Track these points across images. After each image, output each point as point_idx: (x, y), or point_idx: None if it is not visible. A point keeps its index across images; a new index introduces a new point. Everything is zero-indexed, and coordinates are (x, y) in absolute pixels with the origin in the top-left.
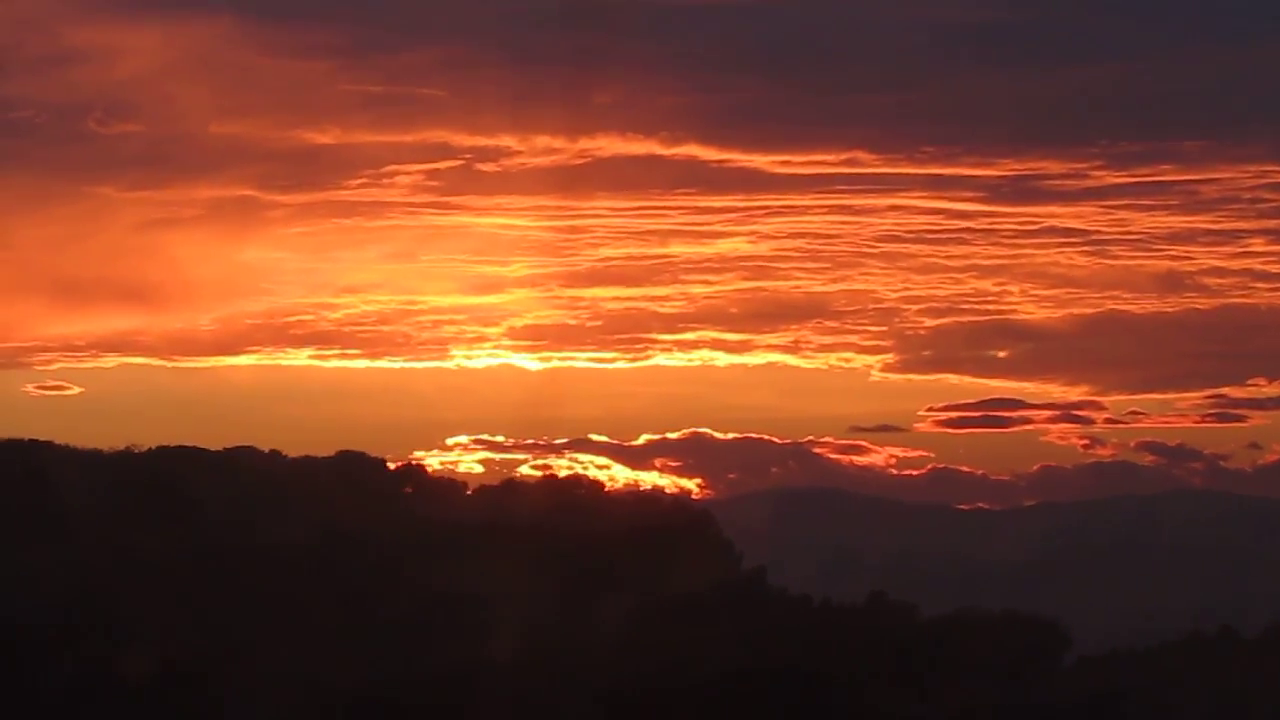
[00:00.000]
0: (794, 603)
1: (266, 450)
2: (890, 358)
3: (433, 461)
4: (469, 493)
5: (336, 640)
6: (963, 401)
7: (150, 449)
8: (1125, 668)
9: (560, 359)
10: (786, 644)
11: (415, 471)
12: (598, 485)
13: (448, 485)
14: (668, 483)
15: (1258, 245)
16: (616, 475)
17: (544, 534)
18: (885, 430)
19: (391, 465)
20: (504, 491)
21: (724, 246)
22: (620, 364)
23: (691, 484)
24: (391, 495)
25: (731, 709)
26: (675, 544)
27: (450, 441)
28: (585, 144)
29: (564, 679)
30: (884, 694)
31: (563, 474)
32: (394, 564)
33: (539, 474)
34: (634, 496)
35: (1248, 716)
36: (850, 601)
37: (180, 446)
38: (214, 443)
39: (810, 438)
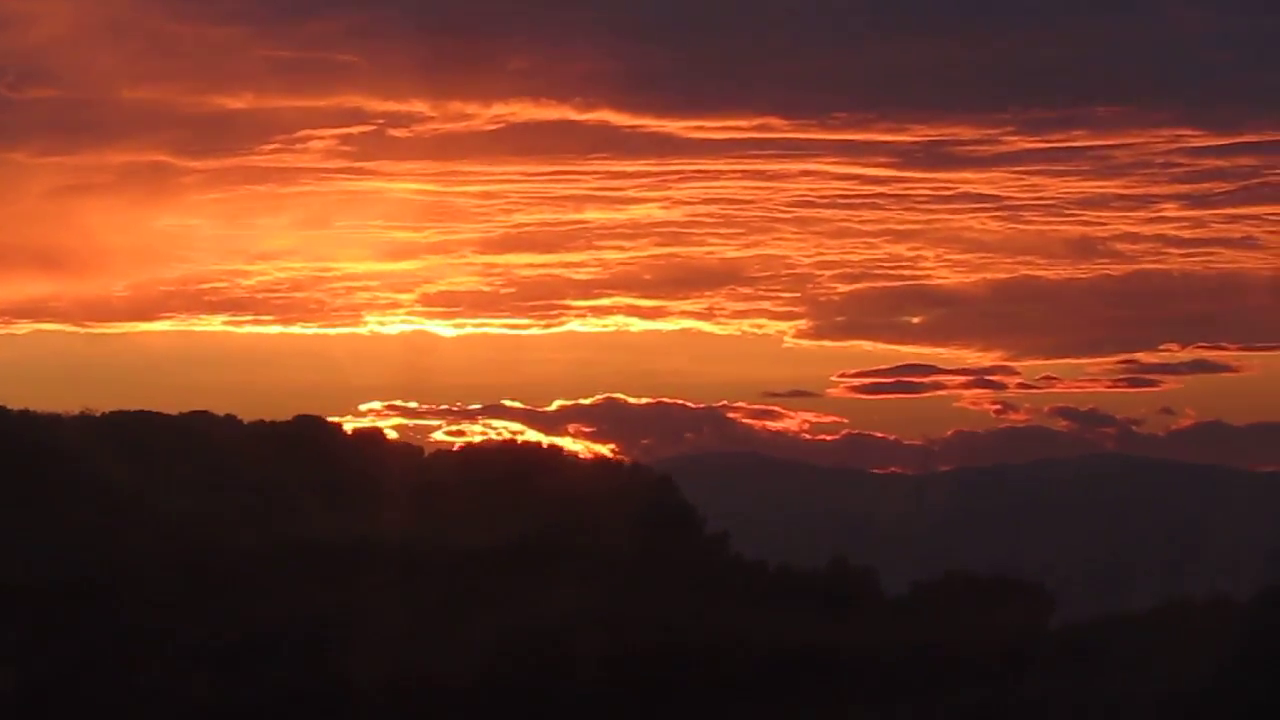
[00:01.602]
0: (757, 569)
1: (221, 415)
2: (803, 324)
3: (347, 428)
4: (425, 457)
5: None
6: (876, 368)
7: (108, 413)
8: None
9: (474, 325)
10: (763, 613)
11: (375, 435)
12: (556, 450)
13: (405, 449)
14: (581, 448)
15: (1170, 210)
16: (531, 441)
17: (514, 498)
18: (798, 395)
19: (349, 429)
20: (463, 456)
21: (638, 212)
22: (534, 330)
23: (605, 449)
24: (357, 459)
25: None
26: (639, 510)
27: (364, 408)
28: (499, 109)
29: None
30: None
31: (521, 439)
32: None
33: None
34: (594, 462)
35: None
36: (802, 567)
37: (139, 411)
38: (127, 407)
39: (724, 403)
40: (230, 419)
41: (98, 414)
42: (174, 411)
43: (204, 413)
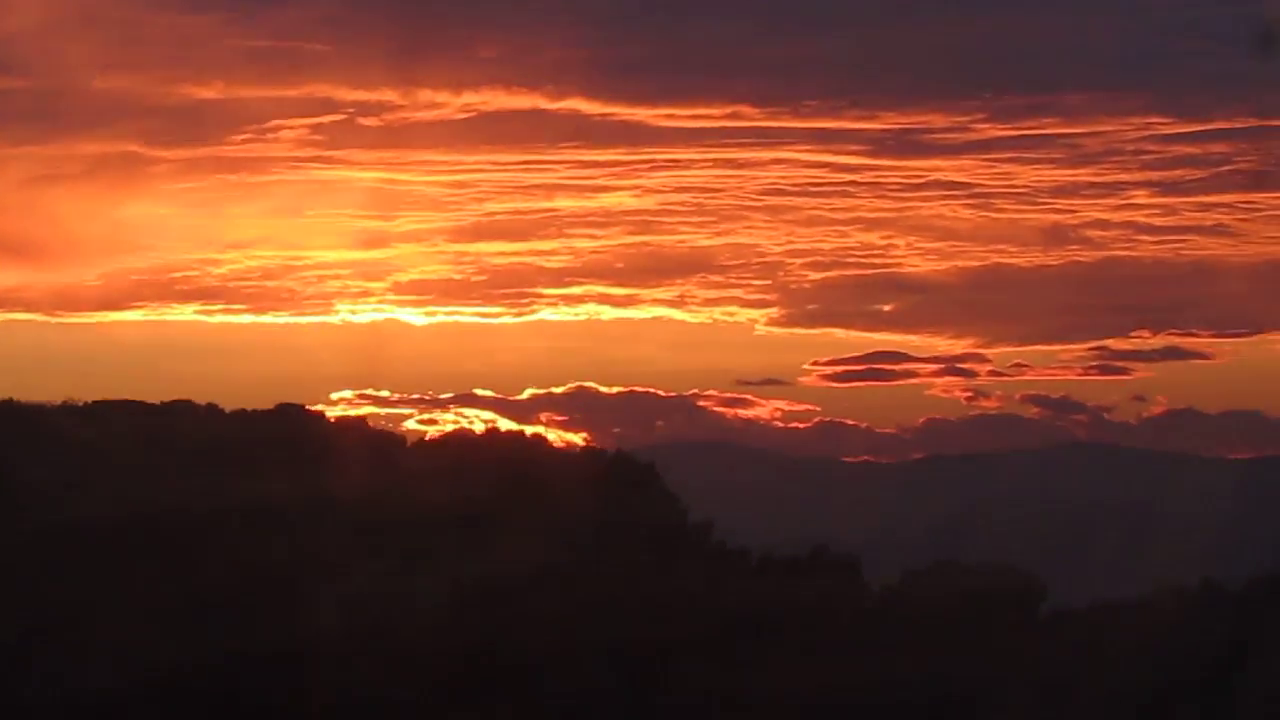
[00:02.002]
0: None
1: (203, 404)
2: (775, 311)
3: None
4: (408, 446)
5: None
6: (848, 355)
7: (90, 402)
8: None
9: (445, 314)
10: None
11: (357, 424)
12: (540, 439)
13: (389, 438)
14: (554, 437)
15: (1140, 198)
16: (514, 430)
17: (499, 489)
18: (770, 384)
19: (331, 417)
20: (446, 445)
21: (609, 200)
22: (505, 319)
23: (577, 438)
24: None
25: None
26: (626, 497)
27: (335, 396)
28: (469, 98)
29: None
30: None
31: (505, 428)
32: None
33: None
34: (579, 450)
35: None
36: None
37: (121, 400)
38: (101, 397)
39: (695, 391)
40: (212, 407)
41: (80, 403)
42: (155, 400)
43: (186, 401)
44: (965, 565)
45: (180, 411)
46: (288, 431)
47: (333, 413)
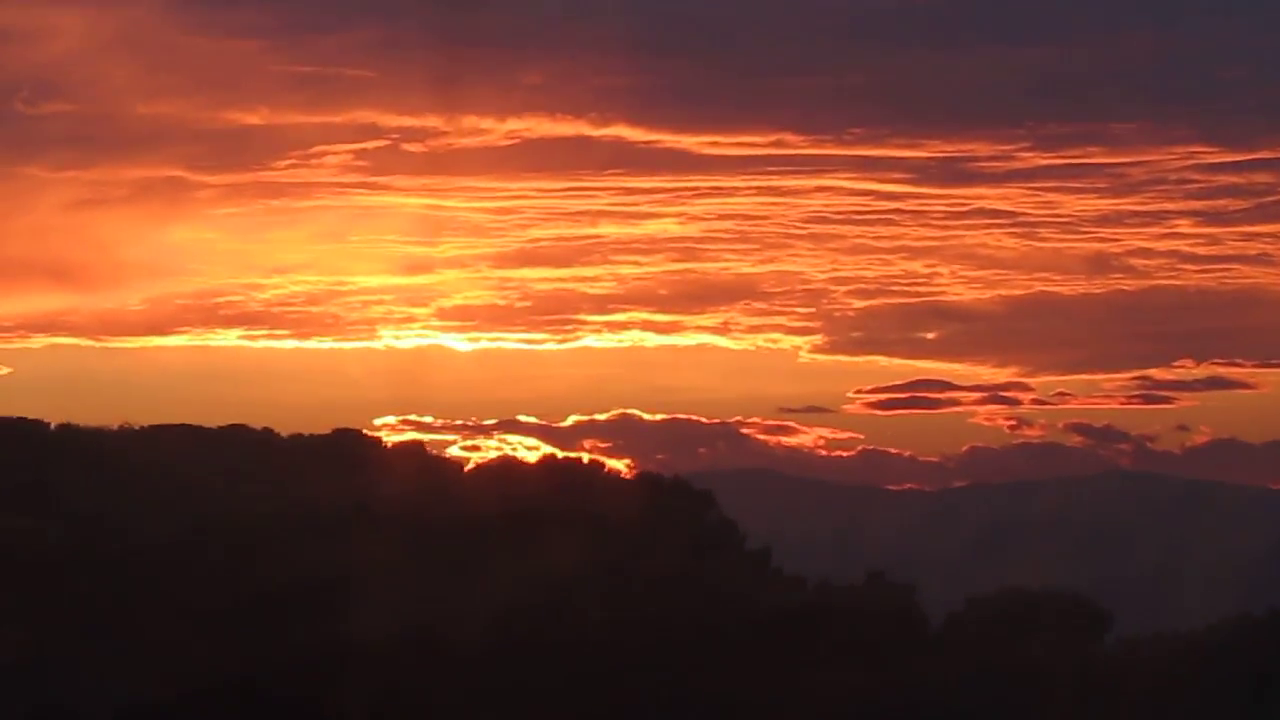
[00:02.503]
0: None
1: (259, 428)
2: (819, 339)
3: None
4: (465, 471)
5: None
6: (891, 383)
7: (146, 426)
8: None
9: (489, 340)
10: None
11: (415, 449)
12: (597, 465)
13: (445, 464)
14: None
15: (1184, 227)
16: (572, 457)
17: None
18: (813, 411)
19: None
20: (502, 471)
21: (653, 227)
22: (549, 345)
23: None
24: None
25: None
26: (681, 525)
27: (378, 422)
28: (513, 124)
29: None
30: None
31: (561, 455)
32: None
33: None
34: (636, 478)
35: None
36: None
37: (179, 425)
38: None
39: (738, 418)
40: (268, 432)
41: (137, 427)
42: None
43: (241, 426)
44: (1034, 592)
45: (236, 436)
46: (346, 454)
47: (394, 438)
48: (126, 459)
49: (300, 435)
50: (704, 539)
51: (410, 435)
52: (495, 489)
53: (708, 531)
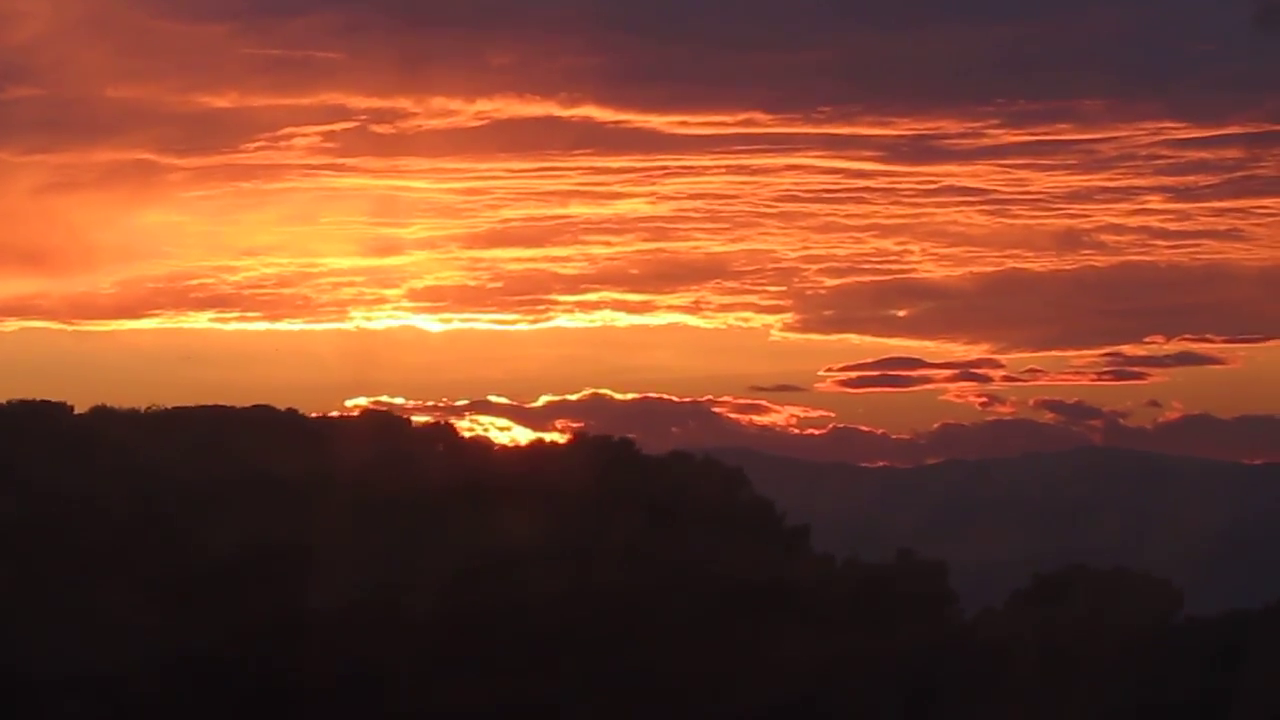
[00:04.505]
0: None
1: (283, 409)
2: (790, 317)
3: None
4: (497, 451)
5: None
6: (862, 361)
7: (175, 407)
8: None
9: (461, 320)
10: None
11: (445, 430)
12: (628, 443)
13: (477, 445)
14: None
15: (1154, 203)
16: (518, 437)
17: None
18: (785, 390)
19: (416, 423)
20: (533, 451)
21: (623, 207)
22: (521, 325)
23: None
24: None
25: None
26: (718, 505)
27: (349, 404)
28: (482, 105)
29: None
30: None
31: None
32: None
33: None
34: (668, 454)
35: None
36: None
37: (211, 406)
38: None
39: (710, 397)
40: (292, 413)
41: (164, 408)
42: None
43: (266, 406)
44: (1096, 571)
45: (263, 416)
46: (373, 436)
47: (422, 419)
48: (85, 436)
49: (326, 416)
50: (738, 518)
51: None
52: (529, 471)
53: (741, 510)
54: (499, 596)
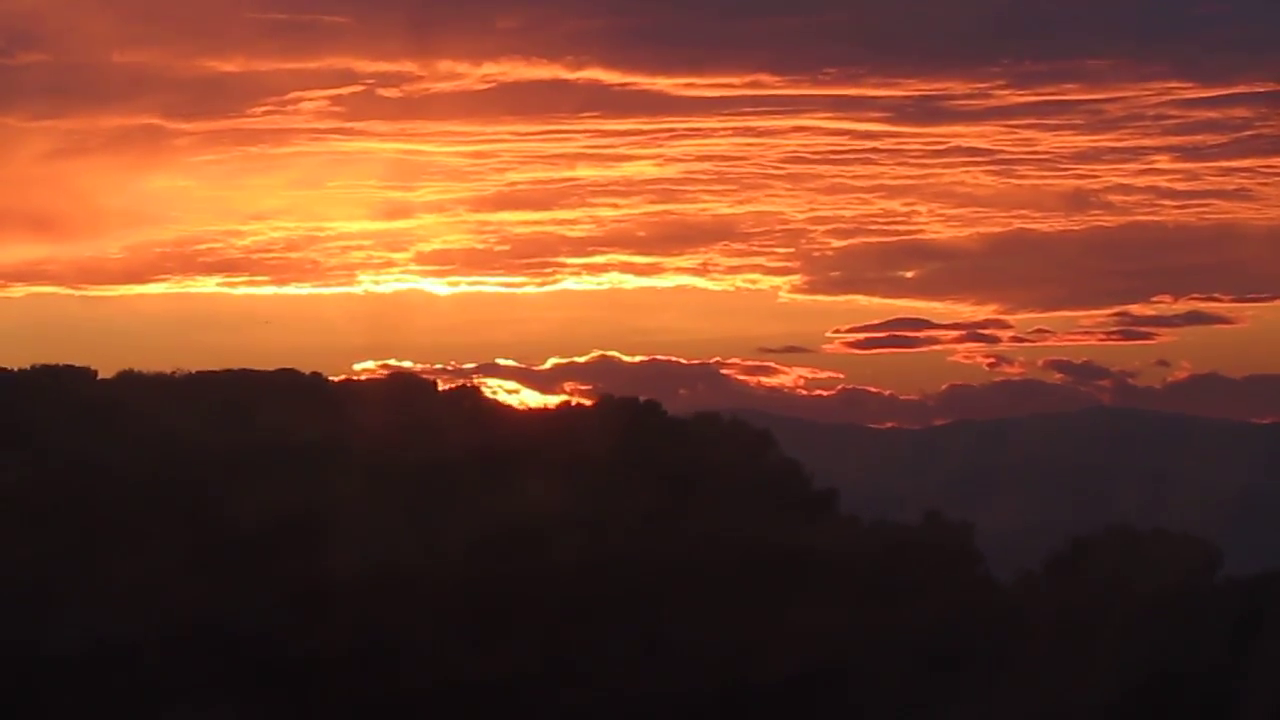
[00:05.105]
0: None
1: (308, 373)
2: (797, 279)
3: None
4: (521, 413)
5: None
6: (870, 322)
7: (203, 371)
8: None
9: (469, 284)
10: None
11: (470, 393)
12: (654, 405)
13: (502, 408)
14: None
15: (1162, 162)
16: (526, 400)
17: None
18: (793, 351)
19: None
20: (559, 414)
21: (630, 170)
22: (528, 288)
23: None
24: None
25: None
26: (747, 467)
27: (358, 367)
28: (489, 69)
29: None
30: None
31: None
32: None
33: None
34: (694, 417)
35: None
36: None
37: (236, 370)
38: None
39: (718, 359)
40: (317, 376)
41: (188, 372)
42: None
43: (290, 369)
44: (1134, 532)
45: (288, 381)
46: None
47: (447, 385)
48: (112, 402)
49: (350, 380)
50: (763, 481)
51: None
52: (558, 431)
53: (768, 473)
54: (526, 564)
